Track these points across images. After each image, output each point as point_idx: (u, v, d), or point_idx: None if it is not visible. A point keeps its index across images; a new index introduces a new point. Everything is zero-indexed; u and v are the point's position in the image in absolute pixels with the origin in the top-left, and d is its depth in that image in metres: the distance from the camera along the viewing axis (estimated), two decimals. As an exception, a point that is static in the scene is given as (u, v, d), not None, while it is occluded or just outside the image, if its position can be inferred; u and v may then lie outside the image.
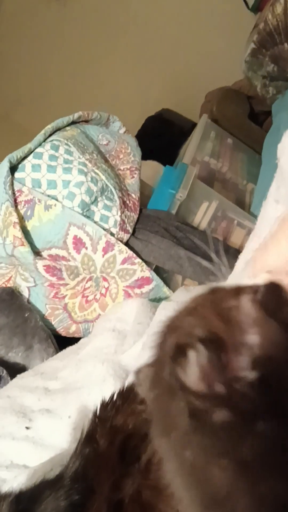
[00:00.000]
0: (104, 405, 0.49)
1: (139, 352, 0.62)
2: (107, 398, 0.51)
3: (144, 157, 1.37)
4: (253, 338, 0.26)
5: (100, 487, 0.40)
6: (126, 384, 0.51)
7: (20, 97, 2.47)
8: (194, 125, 1.93)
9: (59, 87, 2.42)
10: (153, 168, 1.50)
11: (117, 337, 0.75)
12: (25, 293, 0.94)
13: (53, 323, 0.96)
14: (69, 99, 2.39)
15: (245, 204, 1.38)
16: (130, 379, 0.62)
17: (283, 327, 0.27)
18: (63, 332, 0.97)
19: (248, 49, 1.44)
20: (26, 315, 0.90)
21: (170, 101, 2.09)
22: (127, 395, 0.47)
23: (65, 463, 0.48)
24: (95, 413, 0.49)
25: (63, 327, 0.97)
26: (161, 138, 1.85)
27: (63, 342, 0.95)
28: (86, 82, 2.38)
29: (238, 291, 0.29)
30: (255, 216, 1.21)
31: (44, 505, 0.41)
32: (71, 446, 0.63)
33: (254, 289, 0.29)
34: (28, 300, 0.94)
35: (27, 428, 0.67)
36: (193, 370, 0.25)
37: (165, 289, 0.94)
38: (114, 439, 0.42)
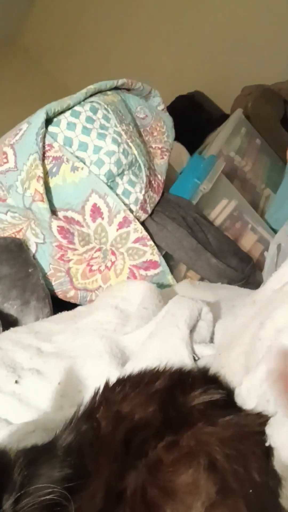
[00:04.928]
0: (111, 387, 0.49)
1: (144, 340, 0.63)
2: (110, 379, 0.51)
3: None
4: None
5: (98, 470, 0.40)
6: (135, 371, 0.51)
7: (54, 45, 2.40)
8: (223, 115, 1.89)
9: (95, 44, 2.35)
10: (176, 150, 1.48)
11: (119, 315, 0.75)
12: (32, 248, 0.93)
13: (53, 284, 0.95)
14: (102, 57, 2.33)
15: (259, 208, 1.37)
16: (129, 364, 0.62)
17: None
18: (60, 295, 0.97)
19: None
20: (30, 270, 0.90)
21: (204, 85, 2.05)
22: (136, 384, 0.47)
23: (58, 433, 0.48)
24: (97, 392, 0.49)
25: (62, 290, 0.96)
26: (188, 120, 1.81)
27: (57, 304, 0.95)
28: (123, 44, 2.31)
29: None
30: (268, 224, 1.21)
31: (39, 470, 0.41)
32: (57, 413, 0.63)
33: None
34: (34, 255, 0.93)
35: (16, 382, 0.67)
36: None
37: (170, 277, 0.94)
38: (118, 426, 0.43)
